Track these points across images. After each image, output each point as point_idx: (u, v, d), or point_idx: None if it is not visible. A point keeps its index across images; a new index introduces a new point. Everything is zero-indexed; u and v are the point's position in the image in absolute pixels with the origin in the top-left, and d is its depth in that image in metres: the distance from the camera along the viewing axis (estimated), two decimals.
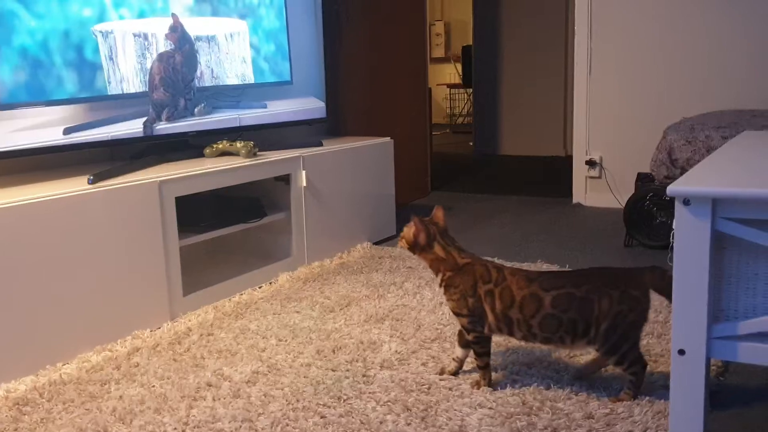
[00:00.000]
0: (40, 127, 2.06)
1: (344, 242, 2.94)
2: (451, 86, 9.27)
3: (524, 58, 6.18)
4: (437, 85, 9.58)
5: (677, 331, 1.26)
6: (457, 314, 1.65)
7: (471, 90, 7.06)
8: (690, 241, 1.23)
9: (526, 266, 2.68)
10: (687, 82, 3.56)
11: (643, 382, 1.59)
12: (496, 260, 2.79)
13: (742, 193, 1.17)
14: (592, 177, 3.85)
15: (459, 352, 1.74)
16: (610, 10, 3.70)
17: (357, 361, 1.85)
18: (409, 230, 1.69)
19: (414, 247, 1.69)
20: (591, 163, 3.82)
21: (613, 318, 1.51)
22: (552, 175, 5.03)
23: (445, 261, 1.66)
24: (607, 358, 1.56)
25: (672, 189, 1.22)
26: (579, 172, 3.89)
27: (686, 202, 1.22)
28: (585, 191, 3.89)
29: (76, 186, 1.94)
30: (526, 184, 4.74)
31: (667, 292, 1.53)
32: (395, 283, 2.50)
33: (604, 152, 3.81)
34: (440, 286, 1.67)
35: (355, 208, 2.99)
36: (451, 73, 9.72)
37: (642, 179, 2.93)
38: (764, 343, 1.23)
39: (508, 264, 2.71)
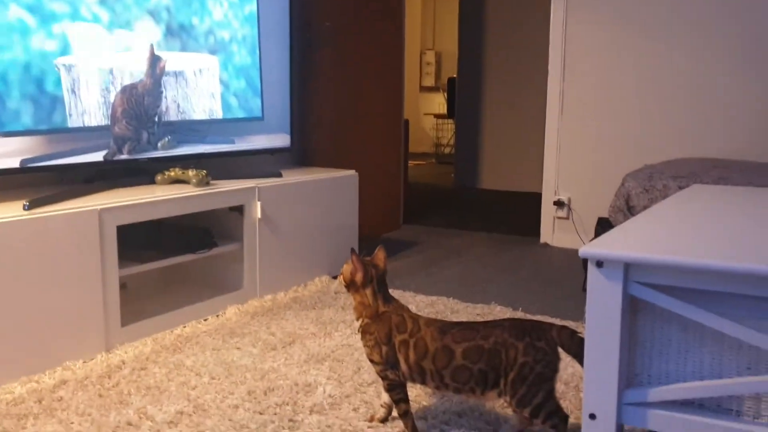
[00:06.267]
0: None
1: (301, 275, 2.91)
2: (437, 116, 9.29)
3: (506, 93, 6.20)
4: (425, 114, 9.61)
5: (588, 395, 1.23)
6: (371, 361, 1.65)
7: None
8: (602, 304, 1.20)
9: (479, 308, 2.65)
10: (656, 129, 3.57)
11: None
12: (451, 300, 2.76)
13: (654, 259, 1.15)
14: (560, 217, 3.84)
15: (386, 397, 1.71)
16: (583, 52, 3.71)
17: (287, 404, 1.81)
18: (348, 267, 1.67)
19: (349, 285, 1.67)
20: (559, 204, 3.81)
21: (520, 369, 1.50)
22: (526, 212, 5.01)
23: (369, 307, 1.64)
24: (521, 409, 1.53)
25: (584, 251, 1.20)
26: (547, 211, 3.88)
27: (599, 264, 1.20)
28: (553, 231, 3.87)
29: (12, 212, 1.91)
30: (500, 220, 4.72)
31: (575, 353, 1.52)
32: (345, 321, 2.47)
33: (573, 193, 3.80)
34: (358, 331, 1.66)
35: (314, 240, 2.96)
36: (440, 102, 9.75)
37: (602, 224, 2.91)
38: (674, 411, 1.20)
39: (463, 304, 2.71)
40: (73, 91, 2.21)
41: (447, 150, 9.33)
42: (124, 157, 2.41)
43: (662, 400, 1.21)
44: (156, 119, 2.47)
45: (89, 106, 2.26)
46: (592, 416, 1.24)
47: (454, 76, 6.83)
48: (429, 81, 9.92)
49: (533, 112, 6.07)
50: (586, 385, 1.23)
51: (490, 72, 6.26)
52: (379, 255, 1.71)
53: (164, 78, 2.48)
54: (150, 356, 2.11)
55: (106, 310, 2.11)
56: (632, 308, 1.23)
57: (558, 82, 3.78)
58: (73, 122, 2.24)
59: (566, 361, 1.69)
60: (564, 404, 1.69)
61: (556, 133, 3.81)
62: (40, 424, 1.67)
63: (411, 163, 8.10)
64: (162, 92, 2.47)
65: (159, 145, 2.50)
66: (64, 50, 2.19)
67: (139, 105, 2.41)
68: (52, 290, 1.96)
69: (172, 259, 2.41)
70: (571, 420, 1.63)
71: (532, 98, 6.06)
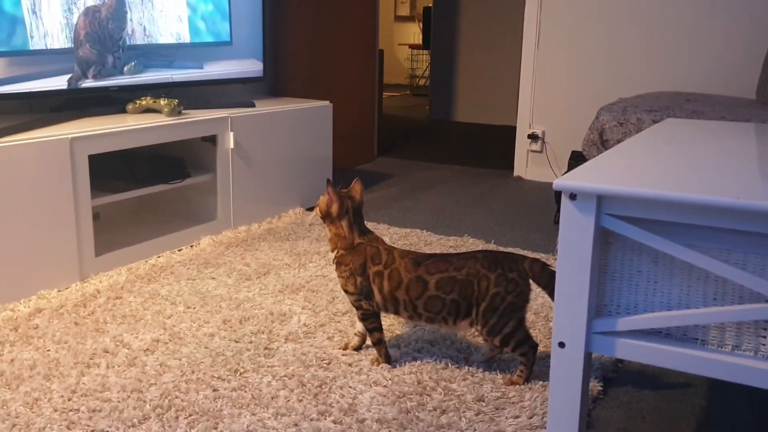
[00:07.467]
0: None
1: (275, 207, 2.90)
2: (413, 47, 9.15)
3: (484, 24, 6.11)
4: (399, 44, 9.45)
5: (558, 324, 1.27)
6: (345, 291, 1.68)
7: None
8: (574, 235, 1.22)
9: (452, 240, 2.69)
10: (631, 63, 3.56)
11: (534, 363, 1.61)
12: (425, 232, 2.79)
13: (626, 192, 1.17)
14: (533, 151, 3.85)
15: (360, 326, 1.74)
16: None
17: (262, 332, 1.84)
18: (324, 199, 1.67)
19: (325, 216, 1.68)
20: (533, 137, 3.82)
21: (491, 299, 1.54)
22: (500, 145, 5.02)
23: (344, 239, 1.65)
24: (491, 338, 1.58)
25: (558, 183, 1.21)
26: (521, 145, 3.89)
27: (572, 196, 1.21)
28: (526, 165, 3.89)
29: None
30: (474, 153, 4.73)
31: (545, 285, 1.56)
32: (319, 253, 2.48)
33: (548, 127, 3.81)
34: (333, 262, 1.68)
35: (288, 172, 2.94)
36: (415, 32, 9.58)
37: (575, 158, 2.94)
38: (641, 340, 1.24)
39: (436, 236, 2.74)
40: (34, 12, 2.12)
41: (422, 82, 9.23)
42: (90, 83, 2.35)
43: (630, 330, 1.25)
44: (121, 43, 2.39)
45: (51, 28, 2.18)
46: (562, 345, 1.27)
47: (430, 5, 6.69)
48: (404, 10, 9.72)
49: (510, 45, 6.00)
50: (556, 314, 1.27)
51: (467, 2, 6.14)
52: (356, 187, 1.71)
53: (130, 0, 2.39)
54: (125, 286, 2.11)
55: (80, 239, 2.10)
56: (603, 240, 1.25)
57: (535, 15, 3.73)
58: (35, 45, 2.16)
59: (536, 292, 1.73)
60: (533, 333, 1.74)
61: (531, 66, 3.78)
62: (17, 351, 1.68)
63: (385, 94, 8.02)
64: (127, 14, 2.39)
65: (125, 69, 2.42)
66: None
67: (103, 28, 2.32)
68: (24, 219, 1.93)
69: (145, 189, 2.38)
70: (541, 348, 1.69)
71: (509, 31, 5.98)
